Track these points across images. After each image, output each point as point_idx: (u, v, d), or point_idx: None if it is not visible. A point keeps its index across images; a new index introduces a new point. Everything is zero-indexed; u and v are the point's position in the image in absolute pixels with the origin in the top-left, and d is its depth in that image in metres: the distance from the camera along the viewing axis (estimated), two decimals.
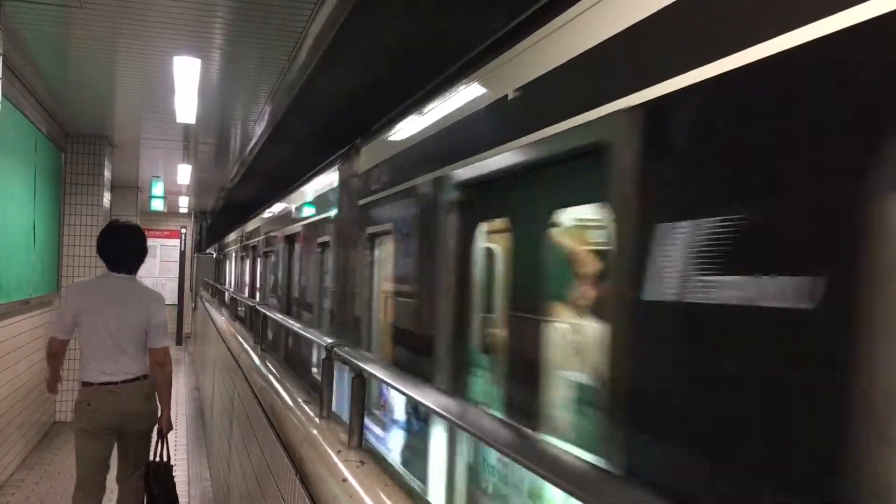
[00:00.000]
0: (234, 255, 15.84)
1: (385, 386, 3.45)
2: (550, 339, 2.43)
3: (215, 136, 9.50)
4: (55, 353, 4.77)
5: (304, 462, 2.87)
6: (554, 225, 2.43)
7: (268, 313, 5.90)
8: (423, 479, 3.08)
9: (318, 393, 3.41)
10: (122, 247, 4.75)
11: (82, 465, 4.62)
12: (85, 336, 4.61)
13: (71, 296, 4.81)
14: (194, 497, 6.89)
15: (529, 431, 1.86)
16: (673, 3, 1.67)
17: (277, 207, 9.50)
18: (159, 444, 4.72)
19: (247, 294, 12.42)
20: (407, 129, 3.84)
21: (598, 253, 2.48)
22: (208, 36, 5.37)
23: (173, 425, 4.89)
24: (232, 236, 16.55)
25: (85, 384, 4.62)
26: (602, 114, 1.89)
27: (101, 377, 4.56)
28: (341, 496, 2.37)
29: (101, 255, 4.80)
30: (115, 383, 4.55)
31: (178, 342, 17.97)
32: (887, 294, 1.10)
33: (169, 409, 4.80)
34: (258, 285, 11.39)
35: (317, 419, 3.23)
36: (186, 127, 8.55)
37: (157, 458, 4.68)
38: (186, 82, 6.34)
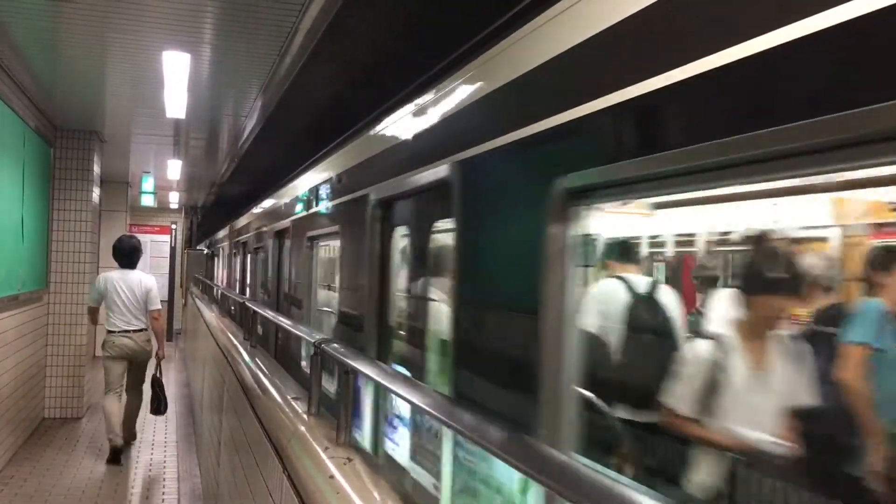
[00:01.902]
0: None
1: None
2: None
3: (206, 132, 9.46)
4: (92, 312, 8.06)
5: (292, 459, 2.87)
6: None
7: (257, 309, 5.89)
8: None
9: (307, 389, 3.40)
10: (127, 255, 7.99)
11: (109, 378, 7.70)
12: (108, 304, 7.72)
13: (100, 281, 7.84)
14: (184, 493, 6.87)
15: (518, 432, 1.85)
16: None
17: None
18: (157, 365, 7.96)
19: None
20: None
21: None
22: (198, 31, 5.35)
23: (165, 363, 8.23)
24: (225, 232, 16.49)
25: (108, 332, 7.74)
26: None
27: (117, 327, 7.67)
28: (328, 493, 2.37)
29: (115, 259, 8.00)
30: (125, 331, 7.66)
31: (169, 338, 17.89)
32: None
33: (163, 345, 8.07)
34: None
35: (305, 416, 3.22)
36: (177, 122, 8.52)
37: (157, 373, 7.98)
38: (176, 77, 6.31)
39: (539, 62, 2.18)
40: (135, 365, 7.84)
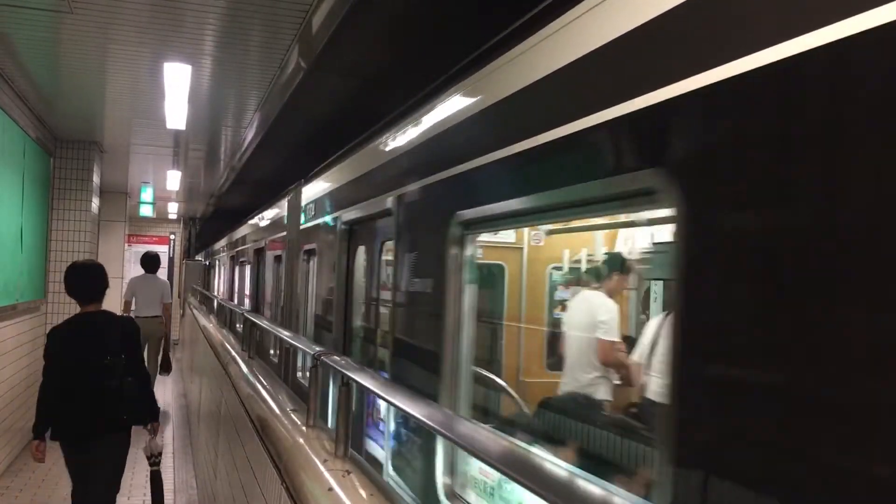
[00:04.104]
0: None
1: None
2: None
3: (205, 143, 9.48)
4: (126, 304, 10.22)
5: (290, 470, 2.86)
6: None
7: (256, 321, 5.88)
8: None
9: (306, 401, 3.40)
10: (152, 263, 10.72)
11: None
12: (136, 298, 10.37)
13: (130, 282, 10.72)
14: None
15: (518, 444, 1.86)
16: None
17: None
18: (164, 341, 10.79)
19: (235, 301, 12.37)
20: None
21: None
22: (199, 42, 5.37)
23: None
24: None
25: (136, 317, 9.12)
26: None
27: (141, 314, 9.91)
28: None
29: (143, 266, 10.73)
30: (146, 316, 9.99)
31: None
32: None
33: (169, 328, 11.00)
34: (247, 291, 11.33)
35: (303, 427, 3.22)
36: (176, 133, 8.54)
37: (166, 346, 10.76)
38: (177, 88, 6.33)
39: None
40: (151, 342, 10.28)
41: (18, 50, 5.81)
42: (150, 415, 5.02)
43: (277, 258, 7.67)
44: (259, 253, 9.36)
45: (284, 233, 7.10)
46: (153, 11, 4.78)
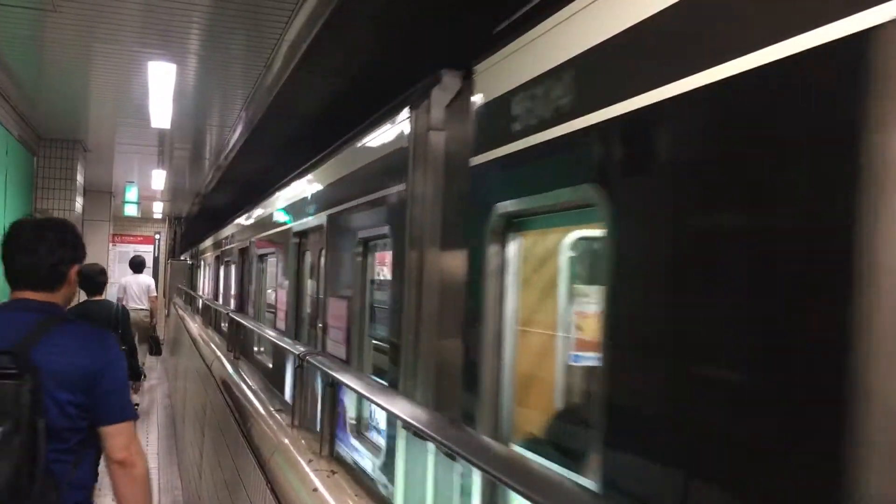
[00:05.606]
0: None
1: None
2: None
3: (191, 142, 9.43)
4: (120, 298, 11.12)
5: (275, 471, 2.86)
6: None
7: (242, 321, 5.87)
8: None
9: (291, 401, 3.40)
10: (138, 265, 12.51)
11: None
12: (127, 293, 11.90)
13: (122, 282, 12.20)
14: None
15: (502, 445, 1.86)
16: None
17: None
18: (154, 327, 12.15)
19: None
20: None
21: None
22: (184, 41, 5.34)
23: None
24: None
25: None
26: None
27: (130, 306, 10.24)
28: None
29: (130, 268, 12.51)
30: (135, 308, 10.95)
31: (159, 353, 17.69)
32: None
33: (157, 317, 13.01)
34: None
35: (288, 428, 3.21)
36: (161, 132, 8.48)
37: (154, 332, 11.95)
38: (162, 87, 6.29)
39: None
40: (139, 330, 10.94)
41: (1, 48, 5.76)
42: (135, 376, 6.61)
43: (366, 245, 3.61)
44: (303, 238, 5.26)
45: (399, 187, 3.11)
46: (138, 10, 4.75)
